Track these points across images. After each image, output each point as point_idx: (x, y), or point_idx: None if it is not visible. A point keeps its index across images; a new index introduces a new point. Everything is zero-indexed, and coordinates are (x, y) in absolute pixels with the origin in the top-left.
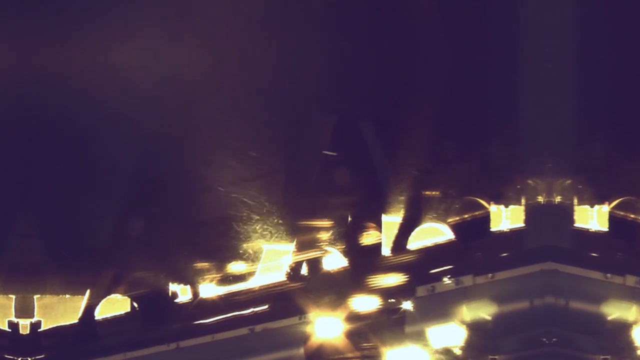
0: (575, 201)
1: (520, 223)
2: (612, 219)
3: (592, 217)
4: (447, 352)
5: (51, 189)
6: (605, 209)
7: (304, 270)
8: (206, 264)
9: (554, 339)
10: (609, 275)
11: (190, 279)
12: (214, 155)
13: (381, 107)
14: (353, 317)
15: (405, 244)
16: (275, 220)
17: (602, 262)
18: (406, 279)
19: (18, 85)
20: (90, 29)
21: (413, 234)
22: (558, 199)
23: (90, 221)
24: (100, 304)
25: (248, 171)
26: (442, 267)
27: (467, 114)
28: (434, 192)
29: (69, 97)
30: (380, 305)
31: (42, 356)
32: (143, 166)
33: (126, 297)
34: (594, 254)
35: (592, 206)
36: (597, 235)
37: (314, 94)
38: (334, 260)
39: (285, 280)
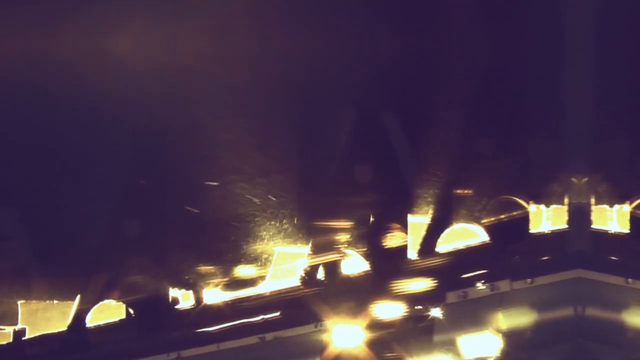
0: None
1: (562, 224)
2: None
3: (612, 218)
4: None
5: (36, 185)
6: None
7: (321, 275)
8: (211, 267)
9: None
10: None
11: (192, 284)
12: (220, 150)
13: (406, 98)
14: (375, 325)
15: (434, 246)
16: (289, 221)
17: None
18: (435, 284)
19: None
20: (83, 14)
21: (443, 235)
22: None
23: (81, 220)
24: (92, 310)
25: (259, 167)
26: (475, 271)
27: (505, 106)
28: (466, 191)
29: (59, 87)
30: (406, 312)
31: None
32: (141, 161)
33: (121, 303)
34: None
35: (611, 206)
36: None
37: (331, 83)
38: (354, 263)
39: (300, 285)
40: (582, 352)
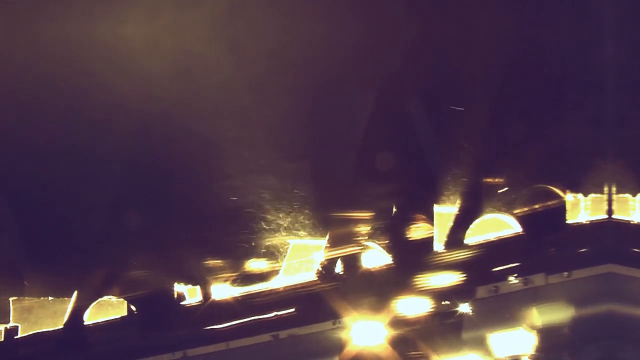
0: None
1: (602, 214)
2: None
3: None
4: None
5: (29, 174)
6: None
7: (339, 269)
8: (219, 260)
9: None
10: None
11: (200, 278)
12: (231, 138)
13: (432, 82)
14: (398, 322)
15: (462, 238)
16: (305, 211)
17: None
18: (464, 278)
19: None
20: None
21: (472, 226)
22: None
23: (79, 211)
24: (90, 307)
25: (272, 155)
26: (507, 264)
27: (539, 89)
28: (497, 179)
29: (57, 76)
30: (432, 308)
31: None
32: (145, 149)
33: (122, 299)
34: None
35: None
36: None
37: (351, 68)
38: (376, 256)
39: (316, 280)
40: (622, 350)
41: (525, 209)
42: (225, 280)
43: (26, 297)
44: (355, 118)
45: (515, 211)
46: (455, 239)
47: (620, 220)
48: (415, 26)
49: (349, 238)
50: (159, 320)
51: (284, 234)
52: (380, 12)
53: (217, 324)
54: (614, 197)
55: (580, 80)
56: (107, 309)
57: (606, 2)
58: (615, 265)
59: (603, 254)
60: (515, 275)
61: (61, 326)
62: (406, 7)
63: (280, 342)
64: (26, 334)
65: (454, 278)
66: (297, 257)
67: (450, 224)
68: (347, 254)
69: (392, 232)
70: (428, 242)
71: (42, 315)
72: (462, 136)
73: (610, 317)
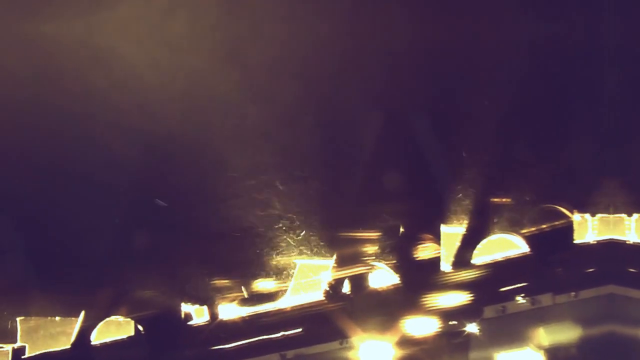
0: None
1: (609, 234)
2: None
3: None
4: None
5: (36, 192)
6: None
7: (346, 289)
8: (227, 280)
9: None
10: None
11: (207, 298)
12: (236, 156)
13: (439, 99)
14: (406, 342)
15: (470, 258)
16: (311, 231)
17: None
18: (471, 298)
19: None
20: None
21: (479, 246)
22: None
23: (86, 230)
24: (98, 326)
25: (279, 173)
26: (514, 284)
27: (546, 108)
28: (505, 199)
29: (59, 89)
30: (440, 328)
31: None
32: (150, 166)
33: (129, 319)
34: None
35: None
36: None
37: (357, 84)
38: (383, 276)
39: (324, 300)
40: None
41: (533, 229)
42: (233, 300)
43: (33, 317)
44: (361, 136)
45: (523, 231)
46: (462, 259)
47: (620, 240)
48: (422, 43)
49: (356, 258)
50: (166, 340)
51: (291, 254)
52: (388, 24)
53: (224, 344)
54: (614, 217)
55: (590, 99)
56: (115, 329)
57: (613, 24)
58: (616, 287)
59: (605, 275)
60: (523, 295)
61: (69, 346)
62: (412, 16)
63: None
64: (34, 354)
65: (461, 298)
66: (305, 277)
67: (458, 244)
68: (354, 273)
69: (399, 251)
70: (435, 262)
71: (50, 335)
72: (470, 155)
73: (616, 337)
